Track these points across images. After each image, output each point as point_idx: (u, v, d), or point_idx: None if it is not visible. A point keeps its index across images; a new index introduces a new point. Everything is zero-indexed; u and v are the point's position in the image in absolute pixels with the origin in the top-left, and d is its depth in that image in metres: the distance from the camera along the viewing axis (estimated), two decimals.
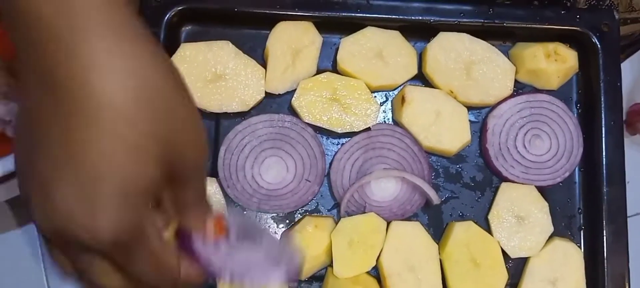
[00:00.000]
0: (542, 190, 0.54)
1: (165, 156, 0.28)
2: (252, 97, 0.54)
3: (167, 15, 0.54)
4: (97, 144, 0.26)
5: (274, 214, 0.54)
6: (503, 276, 0.52)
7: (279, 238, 0.53)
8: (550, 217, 0.54)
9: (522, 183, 0.54)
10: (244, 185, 0.53)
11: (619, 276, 0.52)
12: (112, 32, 0.26)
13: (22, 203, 0.30)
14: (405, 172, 0.53)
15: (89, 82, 0.26)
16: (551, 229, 0.54)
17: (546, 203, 0.54)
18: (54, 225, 0.28)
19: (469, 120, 0.55)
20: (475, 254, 0.52)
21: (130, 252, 0.29)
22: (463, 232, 0.52)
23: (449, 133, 0.54)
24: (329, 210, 0.54)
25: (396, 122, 0.55)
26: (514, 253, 0.53)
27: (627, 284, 0.52)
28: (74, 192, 0.27)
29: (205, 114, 0.54)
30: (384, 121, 0.56)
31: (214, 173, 0.53)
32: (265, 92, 0.54)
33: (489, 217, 0.54)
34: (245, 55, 0.54)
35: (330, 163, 0.54)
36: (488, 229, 0.54)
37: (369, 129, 0.54)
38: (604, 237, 0.53)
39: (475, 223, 0.53)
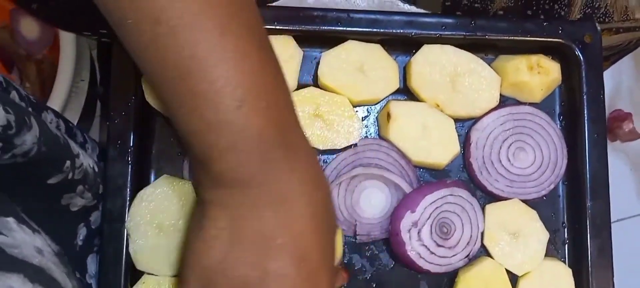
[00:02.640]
0: (526, 204, 0.54)
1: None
2: None
3: None
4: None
5: None
6: None
7: None
8: (542, 223, 0.53)
9: (507, 198, 0.54)
10: None
11: None
12: (298, 171, 0.39)
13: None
14: (386, 171, 0.53)
15: (290, 209, 0.39)
16: (547, 235, 0.53)
17: (534, 211, 0.54)
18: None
19: None
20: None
21: None
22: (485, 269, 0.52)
23: (438, 146, 0.54)
24: None
25: (383, 139, 0.54)
26: (521, 271, 0.53)
27: None
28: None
29: None
30: (366, 136, 0.55)
31: None
32: None
33: (485, 242, 0.53)
34: None
35: None
36: (487, 254, 0.53)
37: (355, 144, 0.53)
38: (589, 252, 0.52)
39: None
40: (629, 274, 0.61)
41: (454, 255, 0.52)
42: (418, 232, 0.51)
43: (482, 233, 0.53)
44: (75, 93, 0.77)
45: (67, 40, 0.72)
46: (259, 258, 0.38)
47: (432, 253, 0.52)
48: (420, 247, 0.51)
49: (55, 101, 0.71)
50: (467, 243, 0.52)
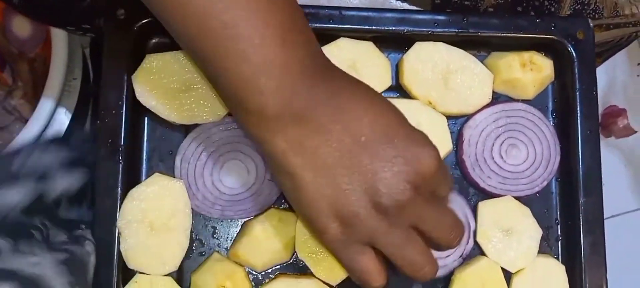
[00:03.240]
0: (519, 201, 0.54)
1: None
2: (224, 106, 0.52)
3: (134, 28, 0.52)
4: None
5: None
6: None
7: None
8: (535, 220, 0.53)
9: (500, 195, 0.54)
10: (204, 193, 0.52)
11: None
12: (345, 85, 0.43)
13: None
14: None
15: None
16: (540, 231, 0.53)
17: (527, 208, 0.54)
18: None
19: None
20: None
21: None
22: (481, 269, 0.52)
23: None
24: None
25: None
26: (514, 267, 0.53)
27: None
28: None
29: (175, 127, 0.53)
30: None
31: None
32: None
33: (478, 239, 0.53)
34: None
35: None
36: (480, 251, 0.53)
37: None
38: (582, 249, 0.52)
39: None
40: (622, 270, 0.61)
41: (448, 256, 0.52)
42: None
43: (474, 232, 0.53)
44: (67, 92, 0.76)
45: (59, 38, 0.71)
46: (362, 182, 0.40)
47: None
48: None
49: (48, 100, 0.70)
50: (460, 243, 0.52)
